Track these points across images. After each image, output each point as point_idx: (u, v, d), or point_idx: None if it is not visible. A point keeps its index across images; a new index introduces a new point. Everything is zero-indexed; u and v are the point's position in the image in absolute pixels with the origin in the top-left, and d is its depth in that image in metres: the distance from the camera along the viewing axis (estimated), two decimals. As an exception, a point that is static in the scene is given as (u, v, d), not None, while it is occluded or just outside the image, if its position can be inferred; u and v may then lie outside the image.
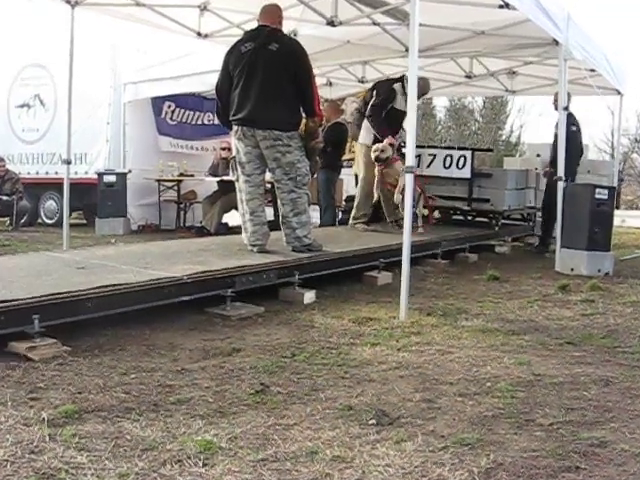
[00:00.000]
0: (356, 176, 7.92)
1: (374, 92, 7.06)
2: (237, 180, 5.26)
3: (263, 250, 5.14)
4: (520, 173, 8.57)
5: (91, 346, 3.40)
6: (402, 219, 7.22)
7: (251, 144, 5.06)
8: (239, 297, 4.31)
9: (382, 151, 6.74)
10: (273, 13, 5.07)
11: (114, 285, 3.69)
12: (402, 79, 6.96)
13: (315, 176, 7.10)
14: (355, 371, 3.15)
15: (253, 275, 4.48)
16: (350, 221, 7.36)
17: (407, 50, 5.94)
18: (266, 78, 4.89)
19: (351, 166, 9.19)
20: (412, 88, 4.30)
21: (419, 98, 6.68)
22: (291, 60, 4.93)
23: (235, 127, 5.09)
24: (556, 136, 7.09)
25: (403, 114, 6.97)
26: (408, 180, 4.32)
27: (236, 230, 7.14)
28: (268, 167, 5.17)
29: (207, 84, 8.03)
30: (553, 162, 7.34)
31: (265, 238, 5.22)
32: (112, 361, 3.18)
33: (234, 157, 5.30)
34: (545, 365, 3.32)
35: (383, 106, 6.91)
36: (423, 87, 6.80)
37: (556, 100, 7.32)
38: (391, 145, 6.74)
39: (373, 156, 6.76)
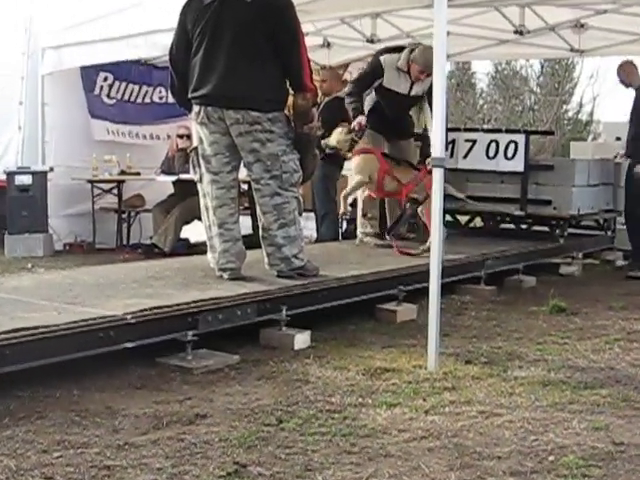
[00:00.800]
0: None
1: None
2: (200, 180, 5.29)
3: (237, 276, 5.17)
4: (594, 164, 8.58)
5: (-1, 413, 3.41)
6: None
7: (219, 130, 5.09)
8: (204, 342, 4.32)
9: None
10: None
11: (30, 328, 3.69)
12: (400, 49, 7.00)
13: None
14: (366, 443, 3.15)
15: (223, 311, 4.49)
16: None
17: (433, -3, 6.00)
18: (237, 40, 4.94)
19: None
20: (440, 50, 4.37)
21: (417, 79, 6.76)
22: (271, 14, 4.97)
23: (196, 107, 5.13)
24: (633, 113, 7.15)
25: (405, 100, 6.98)
26: (437, 177, 4.35)
27: (200, 248, 7.15)
28: (243, 162, 5.21)
29: (158, 47, 8.03)
30: (632, 148, 7.42)
31: (239, 259, 5.24)
32: (28, 434, 3.17)
33: (195, 148, 5.34)
34: (630, 430, 3.33)
35: (363, 82, 7.01)
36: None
37: (622, 68, 7.39)
38: (354, 131, 6.72)
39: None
